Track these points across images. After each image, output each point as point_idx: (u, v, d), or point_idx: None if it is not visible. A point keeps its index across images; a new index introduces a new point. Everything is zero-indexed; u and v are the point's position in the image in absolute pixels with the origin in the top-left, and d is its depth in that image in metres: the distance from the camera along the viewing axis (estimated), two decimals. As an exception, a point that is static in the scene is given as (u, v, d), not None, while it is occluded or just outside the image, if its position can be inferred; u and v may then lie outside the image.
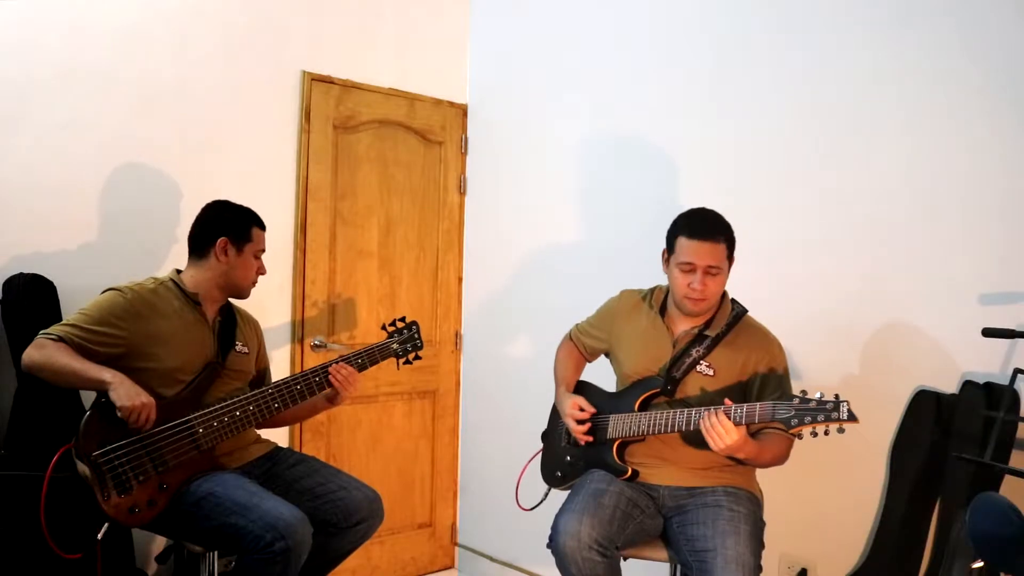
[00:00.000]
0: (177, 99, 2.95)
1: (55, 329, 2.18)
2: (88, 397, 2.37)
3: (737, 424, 2.02)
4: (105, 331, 2.21)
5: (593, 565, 2.07)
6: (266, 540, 2.07)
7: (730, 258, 2.23)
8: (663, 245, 2.30)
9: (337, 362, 2.48)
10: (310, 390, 2.44)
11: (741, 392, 2.24)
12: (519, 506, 2.63)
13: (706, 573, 2.01)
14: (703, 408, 2.09)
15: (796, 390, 2.05)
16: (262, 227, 2.47)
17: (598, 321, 2.53)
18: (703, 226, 2.19)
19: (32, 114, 2.66)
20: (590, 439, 2.34)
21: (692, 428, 2.11)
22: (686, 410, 2.13)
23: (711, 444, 2.03)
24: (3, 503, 2.30)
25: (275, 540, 2.07)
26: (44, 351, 2.13)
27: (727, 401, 2.06)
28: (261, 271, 2.48)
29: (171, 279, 2.40)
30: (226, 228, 2.39)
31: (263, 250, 2.47)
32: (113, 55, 2.81)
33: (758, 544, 2.10)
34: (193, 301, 2.38)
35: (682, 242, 2.20)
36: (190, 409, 2.24)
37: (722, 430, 2.00)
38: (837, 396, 1.95)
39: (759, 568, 2.05)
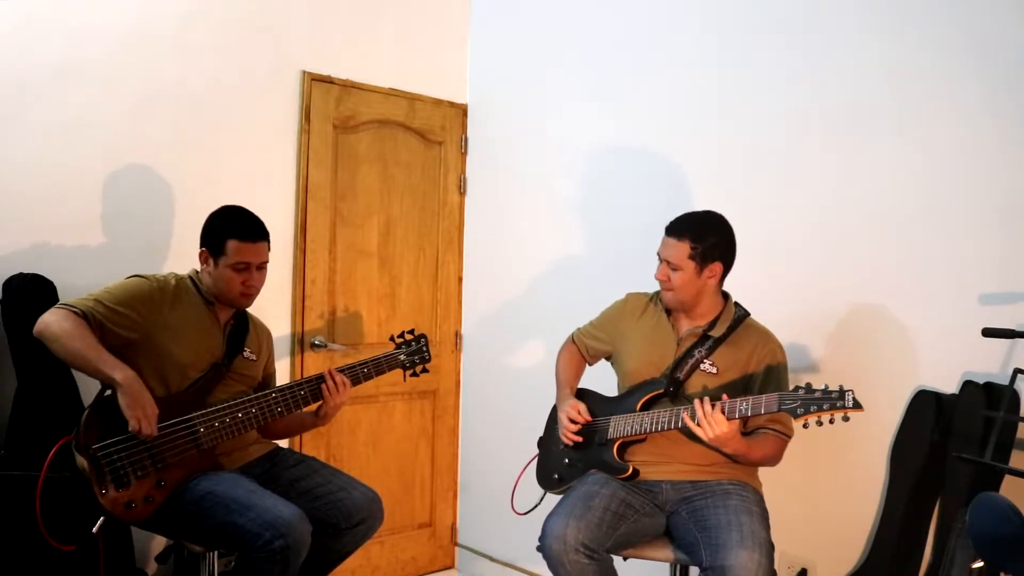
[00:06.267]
0: (177, 99, 2.95)
1: (79, 303, 2.16)
2: (87, 396, 2.38)
3: (743, 416, 2.05)
4: (126, 313, 2.21)
5: (581, 568, 2.08)
6: (265, 539, 2.06)
7: (698, 259, 2.25)
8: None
9: (341, 370, 2.49)
10: (315, 395, 2.44)
11: (743, 388, 2.26)
12: (514, 511, 2.64)
13: (720, 548, 2.00)
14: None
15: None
16: (243, 238, 2.33)
17: (601, 323, 2.55)
18: (673, 224, 2.31)
19: (32, 114, 2.66)
20: (579, 439, 2.36)
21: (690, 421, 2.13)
22: (689, 407, 2.15)
23: (701, 433, 2.07)
24: (3, 503, 2.30)
25: (274, 539, 2.06)
26: (64, 324, 2.09)
27: (724, 397, 2.09)
28: (248, 284, 2.36)
29: (189, 277, 2.42)
30: (205, 238, 2.38)
31: (244, 263, 2.33)
32: (113, 55, 2.81)
33: (769, 527, 2.12)
34: (207, 301, 2.39)
35: (668, 239, 2.32)
36: (193, 408, 2.25)
37: (712, 421, 2.05)
38: (841, 386, 1.98)
39: (772, 546, 2.06)
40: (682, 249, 2.25)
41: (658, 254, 2.32)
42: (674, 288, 2.28)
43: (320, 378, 2.45)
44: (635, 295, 2.52)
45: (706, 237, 2.25)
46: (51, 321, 2.11)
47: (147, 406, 2.11)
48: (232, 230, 2.35)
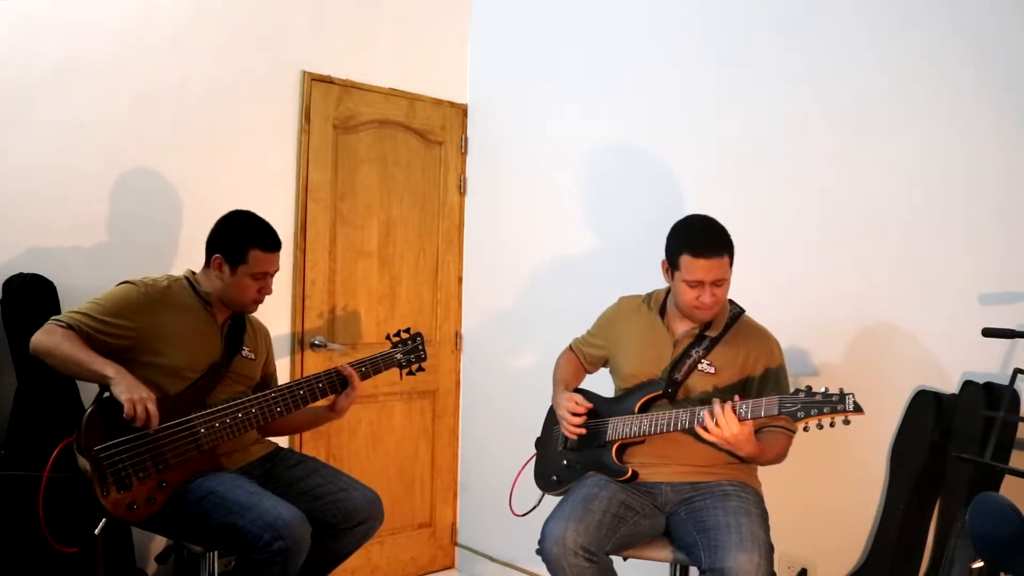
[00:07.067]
0: (177, 99, 2.95)
1: (66, 316, 2.19)
2: (87, 397, 2.38)
3: (743, 419, 2.02)
4: (115, 323, 2.22)
5: (580, 570, 2.08)
6: (265, 540, 2.07)
7: (731, 265, 2.23)
8: (663, 245, 2.30)
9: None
10: (313, 395, 2.44)
11: (741, 389, 2.25)
12: (512, 512, 2.64)
13: (719, 549, 2.00)
14: (706, 406, 2.09)
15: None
16: (267, 248, 2.37)
17: (597, 329, 2.54)
18: (706, 244, 2.17)
19: (32, 114, 2.66)
20: (582, 431, 2.34)
21: (695, 425, 2.11)
22: (689, 408, 2.14)
23: (714, 436, 2.03)
24: (3, 503, 2.30)
25: (273, 540, 2.06)
26: (53, 337, 2.14)
27: (737, 397, 2.06)
28: (263, 292, 2.40)
29: (185, 278, 2.42)
30: (222, 245, 2.37)
31: (264, 272, 2.38)
32: (113, 55, 2.81)
33: (768, 528, 2.11)
34: (204, 302, 2.39)
35: (687, 260, 2.18)
36: (193, 409, 2.25)
37: (724, 421, 2.01)
38: (842, 389, 1.97)
39: (771, 548, 2.05)
40: (725, 263, 2.18)
41: (691, 280, 2.17)
42: (720, 302, 2.23)
43: (319, 377, 2.46)
44: (627, 298, 2.50)
45: (730, 243, 2.21)
46: (42, 337, 2.16)
47: (141, 389, 2.11)
48: (255, 240, 2.36)
